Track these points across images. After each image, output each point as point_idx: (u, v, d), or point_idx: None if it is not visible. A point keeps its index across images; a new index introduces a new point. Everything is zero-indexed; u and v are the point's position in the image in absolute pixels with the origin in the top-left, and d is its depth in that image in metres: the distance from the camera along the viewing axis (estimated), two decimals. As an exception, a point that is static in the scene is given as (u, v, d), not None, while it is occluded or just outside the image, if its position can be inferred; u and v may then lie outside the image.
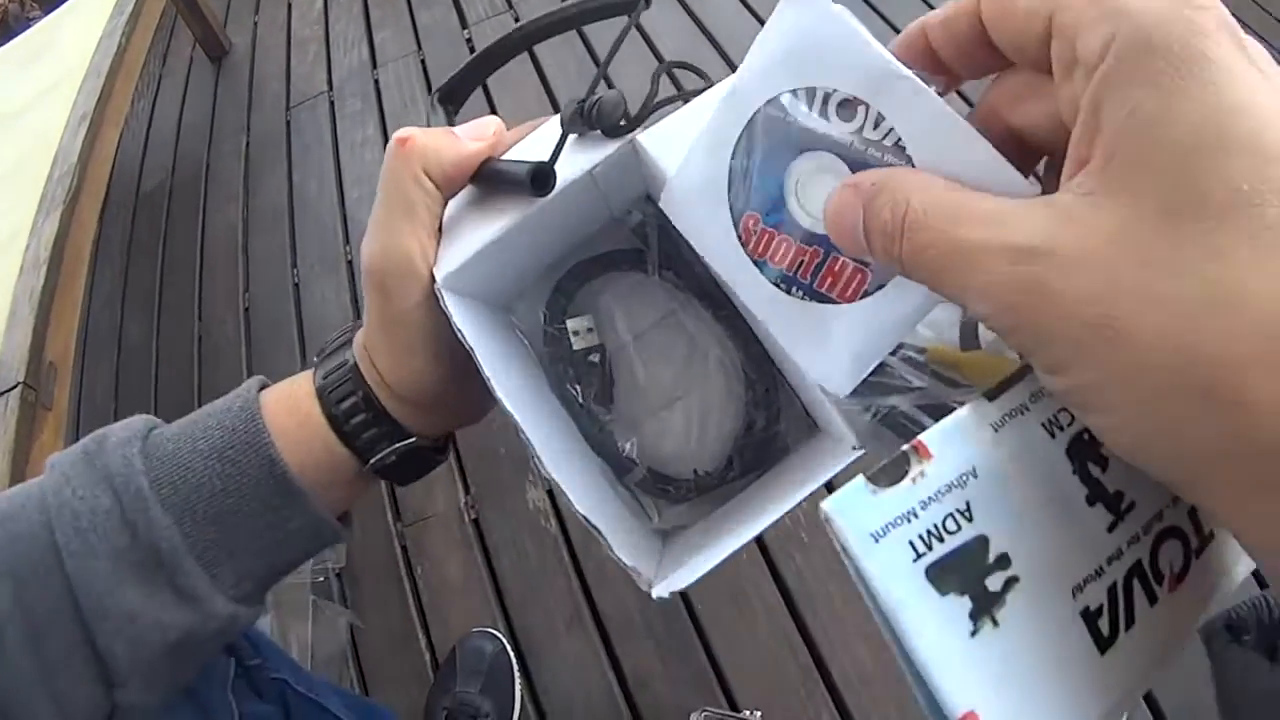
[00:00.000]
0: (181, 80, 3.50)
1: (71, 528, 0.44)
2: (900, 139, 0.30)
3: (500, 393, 0.41)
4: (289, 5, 3.64)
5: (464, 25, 3.10)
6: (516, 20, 3.00)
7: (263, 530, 0.47)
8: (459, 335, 0.42)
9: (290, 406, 0.48)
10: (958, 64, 0.31)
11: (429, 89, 2.87)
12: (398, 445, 0.48)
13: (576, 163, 0.45)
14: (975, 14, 0.29)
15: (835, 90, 0.31)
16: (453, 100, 0.60)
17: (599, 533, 0.41)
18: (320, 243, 2.51)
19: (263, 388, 0.50)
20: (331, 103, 2.99)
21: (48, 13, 3.08)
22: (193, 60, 3.56)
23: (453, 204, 0.47)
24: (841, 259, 0.33)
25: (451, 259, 0.44)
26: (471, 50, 2.80)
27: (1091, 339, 0.23)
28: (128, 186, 3.05)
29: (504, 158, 0.47)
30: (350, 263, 2.40)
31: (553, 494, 1.77)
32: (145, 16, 2.81)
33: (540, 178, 0.43)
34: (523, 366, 0.50)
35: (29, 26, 2.82)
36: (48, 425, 1.73)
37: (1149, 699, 1.44)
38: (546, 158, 0.43)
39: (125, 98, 2.60)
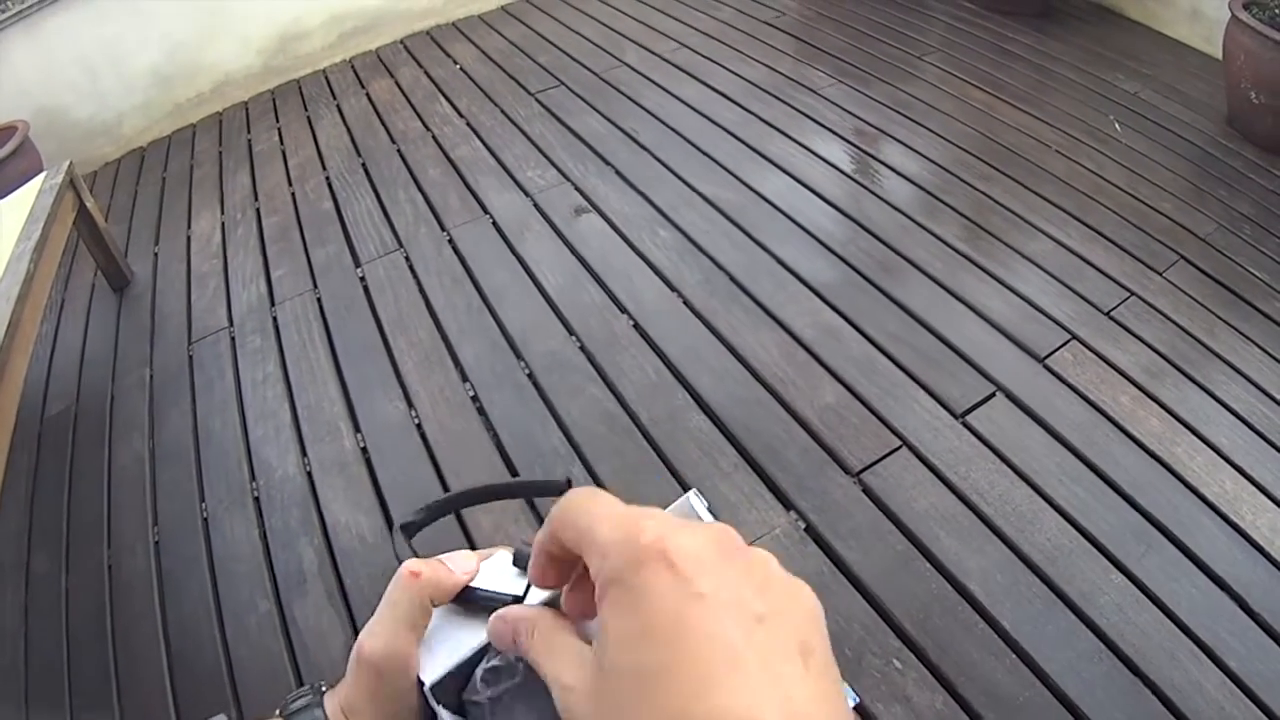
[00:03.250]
0: (84, 306, 3.63)
1: None
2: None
3: None
4: (188, 238, 3.84)
5: (357, 264, 3.35)
6: (407, 259, 3.27)
7: None
8: None
9: None
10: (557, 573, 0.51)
11: (325, 328, 3.09)
12: None
13: (534, 596, 0.59)
14: (550, 548, 0.48)
15: None
16: (409, 533, 0.70)
17: None
18: (227, 479, 2.63)
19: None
20: (232, 338, 3.17)
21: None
22: (94, 288, 3.70)
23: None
24: None
25: (435, 668, 0.56)
26: (365, 290, 3.05)
27: None
28: (32, 411, 3.09)
29: (475, 584, 0.62)
30: (257, 499, 2.54)
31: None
32: (51, 245, 2.93)
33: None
34: None
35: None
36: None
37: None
38: (506, 587, 0.58)
39: (33, 325, 2.69)
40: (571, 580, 0.49)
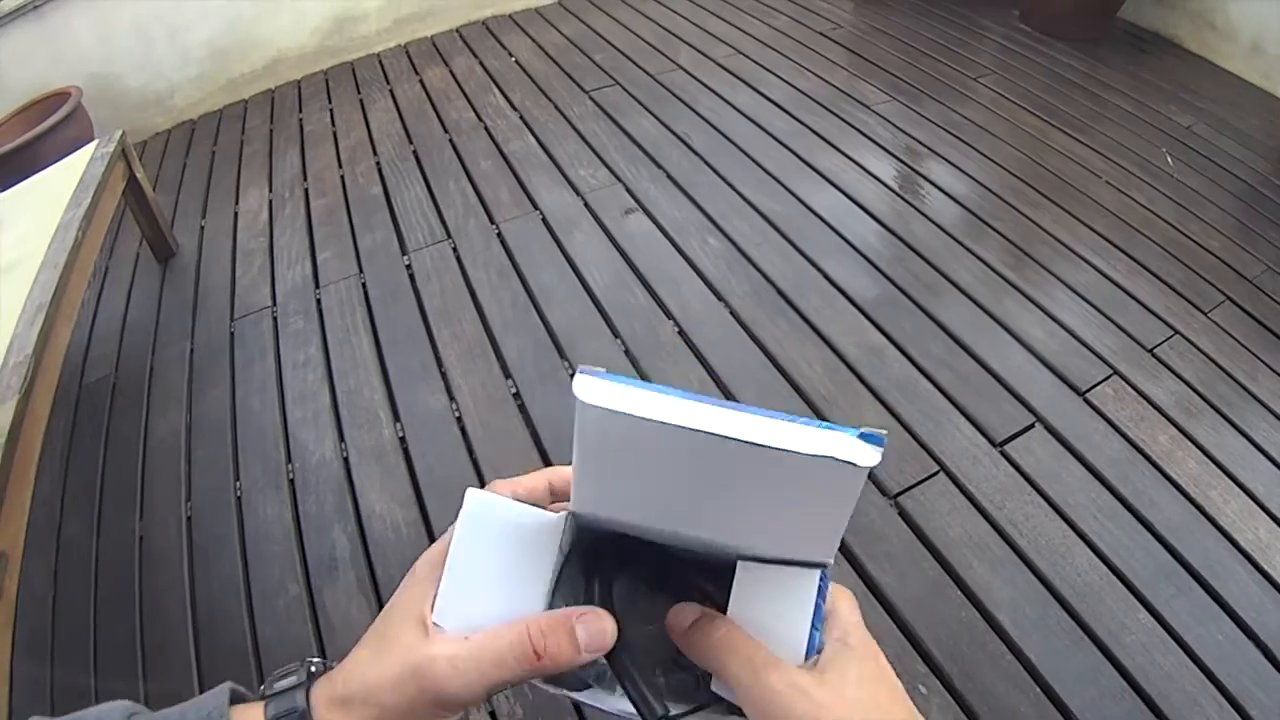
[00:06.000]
0: (128, 275, 3.65)
1: None
2: None
3: None
4: (235, 213, 3.86)
5: (404, 251, 3.35)
6: (455, 250, 3.28)
7: None
8: None
9: None
10: None
11: (369, 314, 3.09)
12: None
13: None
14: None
15: None
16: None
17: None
18: (262, 459, 2.64)
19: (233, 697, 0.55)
20: (275, 318, 3.18)
21: (4, 188, 3.20)
22: (139, 257, 3.73)
23: None
24: None
25: None
26: (411, 278, 3.05)
27: None
28: (71, 377, 3.10)
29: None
30: (292, 481, 2.55)
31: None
32: (100, 213, 2.94)
33: None
34: None
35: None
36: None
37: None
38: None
39: (79, 292, 2.70)
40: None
